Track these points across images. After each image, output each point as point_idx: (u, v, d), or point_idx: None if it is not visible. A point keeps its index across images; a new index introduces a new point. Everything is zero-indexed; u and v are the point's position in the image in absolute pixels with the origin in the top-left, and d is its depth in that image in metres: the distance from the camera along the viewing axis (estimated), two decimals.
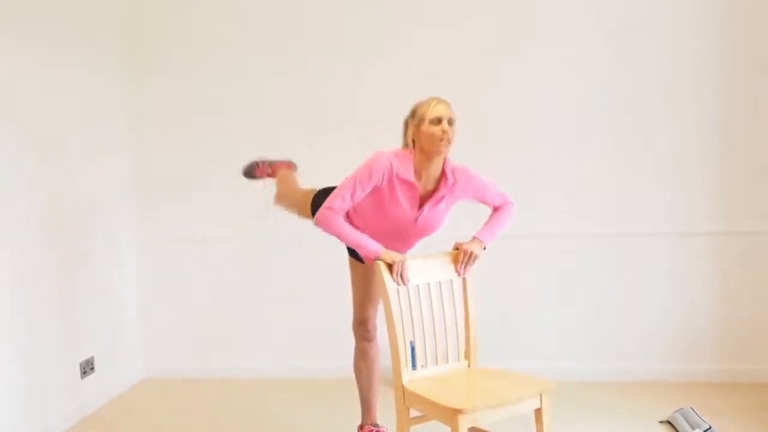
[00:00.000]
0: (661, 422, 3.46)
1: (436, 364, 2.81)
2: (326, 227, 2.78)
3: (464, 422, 2.41)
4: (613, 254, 4.06)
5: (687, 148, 3.98)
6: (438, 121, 2.71)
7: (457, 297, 2.88)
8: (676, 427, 3.35)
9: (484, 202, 2.98)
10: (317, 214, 2.79)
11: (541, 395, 2.60)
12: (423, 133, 2.73)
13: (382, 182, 2.74)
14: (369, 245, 2.74)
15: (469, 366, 2.88)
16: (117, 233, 4.15)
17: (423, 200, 2.82)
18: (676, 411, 3.46)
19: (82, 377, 3.73)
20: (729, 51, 3.91)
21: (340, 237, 2.79)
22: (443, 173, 2.81)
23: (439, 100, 2.77)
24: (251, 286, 4.28)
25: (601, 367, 4.09)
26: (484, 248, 2.89)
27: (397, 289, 2.71)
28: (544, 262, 4.10)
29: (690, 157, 3.98)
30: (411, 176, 2.75)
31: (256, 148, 4.18)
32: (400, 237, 2.89)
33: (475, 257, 2.86)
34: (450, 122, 2.73)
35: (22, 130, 3.31)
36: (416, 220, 2.83)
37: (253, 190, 4.22)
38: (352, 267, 3.08)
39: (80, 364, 3.72)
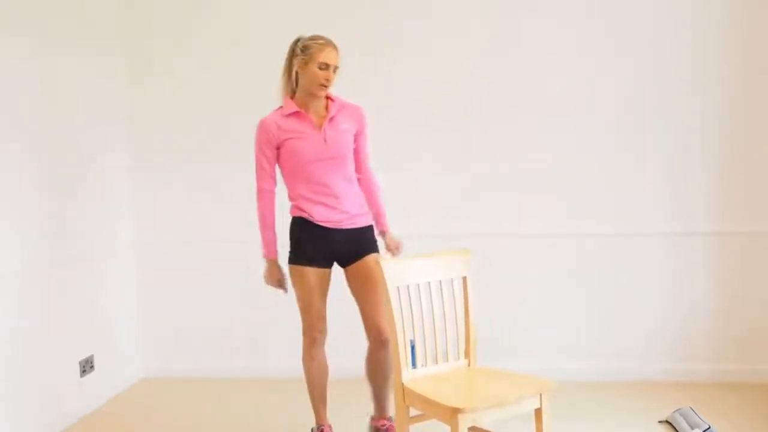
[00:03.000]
0: (660, 422, 3.46)
1: (436, 363, 2.81)
2: (257, 207, 3.11)
3: (464, 421, 2.42)
4: (613, 254, 4.06)
5: (687, 148, 3.98)
6: (326, 66, 2.88)
7: (457, 296, 2.88)
8: (676, 426, 3.35)
9: (358, 152, 3.08)
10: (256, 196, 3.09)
11: (541, 395, 2.61)
12: (308, 72, 2.90)
13: (276, 134, 2.97)
14: (265, 245, 3.10)
15: (469, 365, 2.88)
16: (117, 233, 4.15)
17: (319, 124, 2.97)
18: (675, 411, 3.46)
19: (81, 376, 3.73)
20: (730, 51, 3.91)
21: (258, 221, 3.07)
22: (328, 99, 3.02)
23: (330, 45, 2.92)
24: (251, 286, 4.27)
25: (601, 367, 4.09)
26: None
27: (398, 288, 2.71)
28: (544, 262, 4.10)
29: (690, 157, 3.98)
30: (295, 108, 2.95)
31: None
32: (328, 178, 2.96)
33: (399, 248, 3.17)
34: (335, 70, 2.92)
35: (21, 130, 3.31)
36: (325, 141, 2.93)
37: (254, 191, 4.24)
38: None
39: (80, 363, 3.73)
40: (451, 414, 2.41)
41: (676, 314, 4.05)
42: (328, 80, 2.90)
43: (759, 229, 3.95)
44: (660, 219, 4.02)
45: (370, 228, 3.12)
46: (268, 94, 4.18)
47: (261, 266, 4.25)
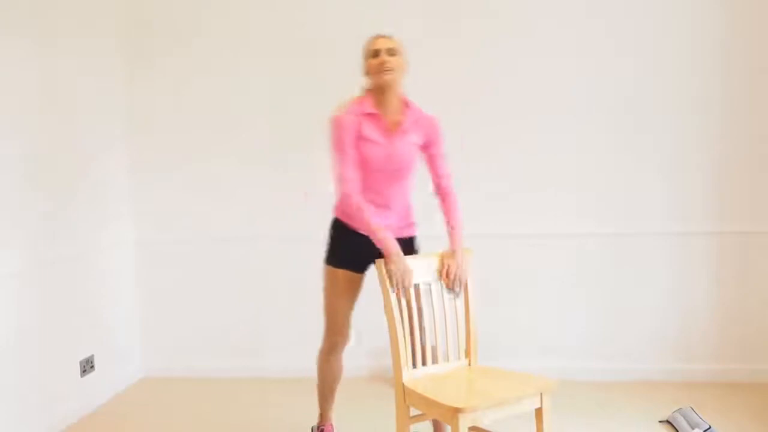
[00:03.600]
0: (660, 422, 3.46)
1: (436, 363, 2.81)
2: (353, 219, 2.86)
3: (464, 421, 2.42)
4: (613, 254, 4.06)
5: (687, 148, 3.98)
6: (376, 53, 2.85)
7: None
8: (676, 426, 3.35)
9: (434, 162, 2.98)
10: (340, 205, 2.90)
11: (541, 394, 2.60)
12: (369, 67, 2.89)
13: (358, 122, 2.84)
14: (387, 241, 2.74)
15: (469, 365, 2.88)
16: (117, 233, 4.15)
17: (392, 132, 2.88)
18: (675, 411, 3.47)
19: (82, 376, 3.73)
20: (730, 51, 3.92)
21: (362, 225, 2.81)
22: (404, 103, 2.92)
23: (380, 35, 2.91)
24: (251, 286, 4.28)
25: (601, 367, 4.09)
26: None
27: (396, 284, 2.70)
28: (545, 261, 4.10)
29: (690, 157, 3.98)
30: (372, 108, 2.88)
31: (256, 148, 4.20)
32: (385, 188, 2.90)
33: (464, 270, 2.86)
34: (390, 52, 2.85)
35: (21, 130, 3.31)
36: (394, 152, 2.87)
37: (254, 190, 4.24)
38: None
39: (80, 363, 3.72)
40: (452, 414, 2.41)
41: (676, 314, 4.05)
42: (382, 63, 2.82)
43: (759, 229, 3.96)
44: (660, 219, 4.02)
45: (410, 240, 3.01)
46: (268, 93, 4.21)
47: (261, 266, 4.28)
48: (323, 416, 3.18)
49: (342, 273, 2.95)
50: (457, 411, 2.40)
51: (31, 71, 3.38)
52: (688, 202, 3.99)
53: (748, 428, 3.37)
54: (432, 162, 2.98)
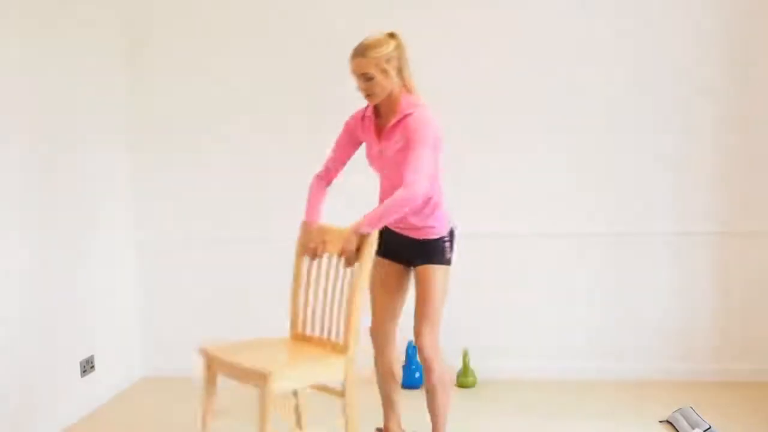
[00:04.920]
0: (661, 422, 3.46)
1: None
2: None
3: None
4: (613, 254, 4.06)
5: (688, 148, 3.98)
6: (355, 76, 2.82)
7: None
8: (676, 426, 3.35)
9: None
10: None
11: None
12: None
13: (359, 129, 2.97)
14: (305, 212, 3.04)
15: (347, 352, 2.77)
16: (117, 233, 4.15)
17: (381, 135, 2.90)
18: (676, 411, 3.47)
19: (82, 376, 3.73)
20: (731, 51, 3.91)
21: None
22: (398, 105, 2.85)
23: (355, 54, 2.79)
24: (251, 286, 4.28)
25: (601, 367, 4.09)
26: (360, 233, 2.71)
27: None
28: (545, 261, 4.09)
29: (691, 157, 3.98)
30: (370, 112, 2.94)
31: (257, 147, 4.20)
32: (388, 184, 2.91)
33: (349, 248, 2.72)
34: (365, 77, 2.77)
35: (21, 130, 3.31)
36: (380, 153, 2.90)
37: (254, 191, 4.24)
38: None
39: (80, 363, 3.73)
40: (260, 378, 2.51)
41: (676, 314, 4.05)
42: (363, 90, 2.82)
43: (760, 229, 3.96)
44: (660, 219, 4.02)
45: (435, 242, 2.94)
46: (269, 94, 4.21)
47: (261, 266, 4.28)
48: (384, 417, 3.17)
49: (378, 260, 2.91)
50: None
51: (31, 71, 3.38)
52: (689, 202, 3.99)
53: (748, 428, 3.37)
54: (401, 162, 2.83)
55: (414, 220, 2.91)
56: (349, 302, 2.74)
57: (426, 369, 2.96)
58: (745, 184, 3.96)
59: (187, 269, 4.31)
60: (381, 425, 3.25)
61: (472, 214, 4.09)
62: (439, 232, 2.95)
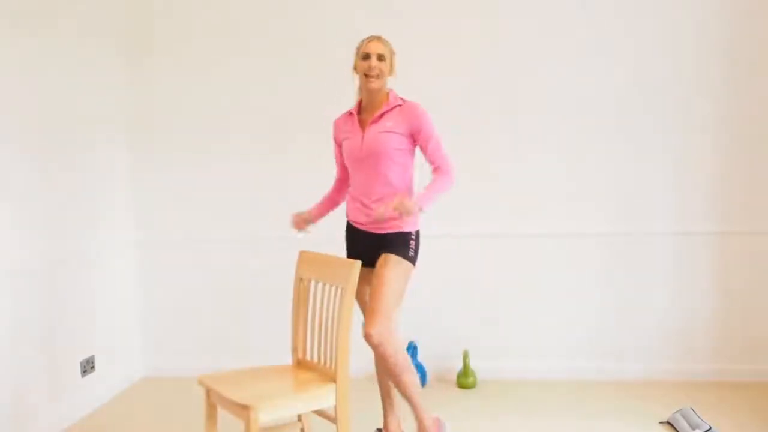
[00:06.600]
0: (661, 422, 3.46)
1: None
2: None
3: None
4: (613, 254, 4.06)
5: (689, 147, 3.98)
6: (366, 56, 2.94)
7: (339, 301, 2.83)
8: (676, 427, 3.35)
9: (424, 152, 2.99)
10: None
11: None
12: (357, 67, 3.00)
13: (336, 133, 3.12)
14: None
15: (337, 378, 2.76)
16: (117, 233, 4.15)
17: (365, 124, 3.00)
18: (676, 411, 3.47)
19: (82, 376, 3.73)
20: (732, 51, 3.91)
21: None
22: (386, 97, 3.00)
23: (372, 38, 2.99)
24: (251, 286, 4.28)
25: (601, 367, 4.09)
26: (421, 210, 2.83)
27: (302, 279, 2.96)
28: (546, 261, 4.10)
29: (692, 156, 3.98)
30: (353, 109, 3.06)
31: (257, 147, 4.20)
32: (365, 179, 2.99)
33: (406, 210, 2.76)
34: (380, 58, 2.94)
35: (21, 130, 3.31)
36: (362, 140, 2.96)
37: (254, 191, 4.24)
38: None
39: (81, 363, 3.73)
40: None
41: (676, 314, 4.05)
42: (370, 69, 2.92)
43: (760, 229, 3.96)
44: (661, 219, 4.02)
45: (397, 235, 2.97)
46: (269, 94, 4.21)
47: (261, 266, 4.28)
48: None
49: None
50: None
51: (32, 71, 3.38)
52: (690, 202, 3.99)
53: (748, 428, 3.37)
54: (423, 151, 3.00)
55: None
56: (336, 332, 2.76)
57: (380, 357, 2.93)
58: (745, 184, 3.96)
59: (187, 269, 4.31)
60: (381, 425, 3.25)
61: (472, 215, 4.10)
62: (403, 225, 2.97)
